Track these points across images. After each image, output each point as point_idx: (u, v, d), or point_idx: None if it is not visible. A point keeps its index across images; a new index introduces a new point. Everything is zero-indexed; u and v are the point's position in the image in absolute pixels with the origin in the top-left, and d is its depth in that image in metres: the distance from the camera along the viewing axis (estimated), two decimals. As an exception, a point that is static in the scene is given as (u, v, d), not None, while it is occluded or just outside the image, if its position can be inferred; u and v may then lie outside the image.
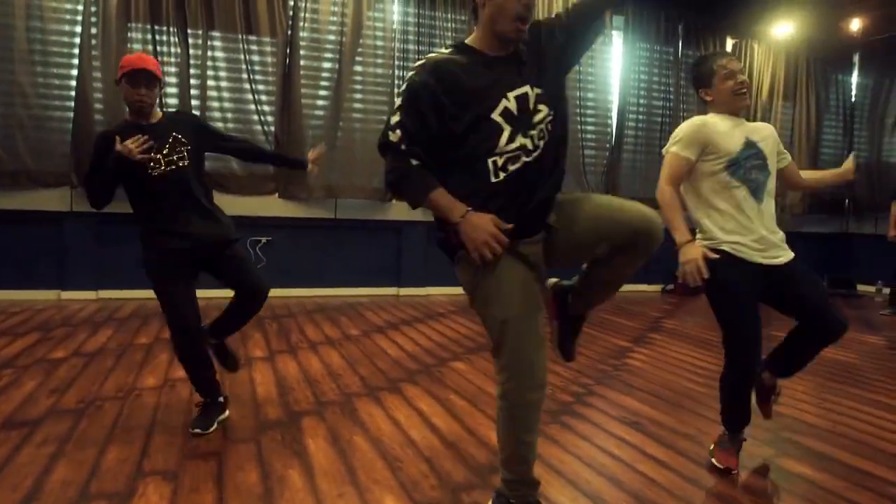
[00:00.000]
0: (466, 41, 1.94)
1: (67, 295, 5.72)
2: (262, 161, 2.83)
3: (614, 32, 7.33)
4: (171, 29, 5.73)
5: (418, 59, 1.93)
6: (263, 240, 6.30)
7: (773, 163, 2.54)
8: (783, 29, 7.74)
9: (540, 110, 1.87)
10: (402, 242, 6.84)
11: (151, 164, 2.67)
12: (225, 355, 3.05)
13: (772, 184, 2.53)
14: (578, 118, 7.15)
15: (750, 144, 2.49)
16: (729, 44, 7.90)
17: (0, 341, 4.12)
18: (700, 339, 5.04)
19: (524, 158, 1.86)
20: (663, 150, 2.58)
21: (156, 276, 2.72)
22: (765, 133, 2.56)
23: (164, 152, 2.71)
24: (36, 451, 2.44)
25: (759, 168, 2.49)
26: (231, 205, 6.18)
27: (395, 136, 1.87)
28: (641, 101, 7.47)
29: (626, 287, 7.63)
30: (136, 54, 2.85)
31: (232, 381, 3.45)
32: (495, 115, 1.83)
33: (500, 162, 1.84)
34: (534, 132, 1.87)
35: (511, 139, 1.84)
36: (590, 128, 7.25)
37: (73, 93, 5.52)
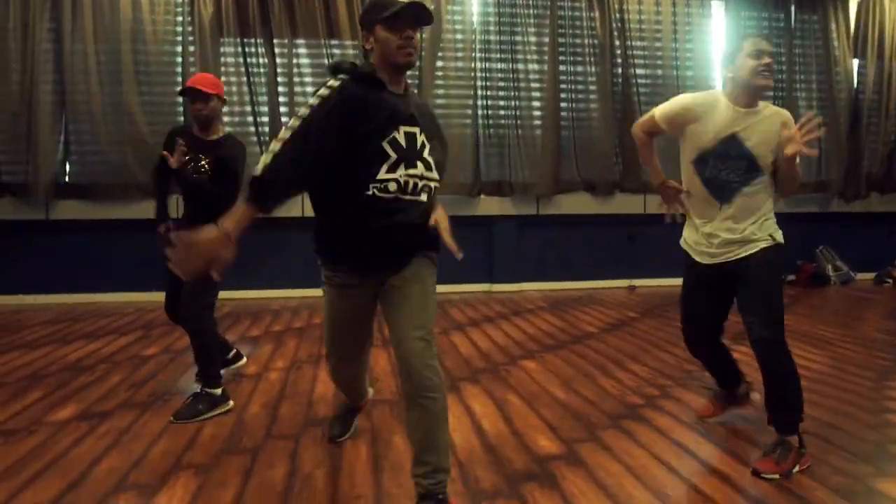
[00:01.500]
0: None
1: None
2: None
3: (714, 2, 6.75)
4: (259, 41, 5.98)
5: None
6: (353, 239, 6.42)
7: (766, 162, 2.40)
8: (922, -20, 6.76)
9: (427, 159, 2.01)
10: (494, 237, 6.71)
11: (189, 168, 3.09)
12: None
13: (754, 187, 2.42)
14: (677, 98, 6.66)
15: (731, 141, 2.39)
16: (853, 4, 7.02)
17: (107, 339, 4.49)
18: (813, 336, 4.49)
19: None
20: None
21: None
22: (763, 128, 2.38)
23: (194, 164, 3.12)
24: (95, 442, 2.59)
25: (736, 169, 2.40)
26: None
27: None
28: (749, 74, 6.82)
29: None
30: (197, 74, 3.34)
31: (296, 378, 3.52)
32: (385, 143, 1.92)
33: (390, 187, 1.95)
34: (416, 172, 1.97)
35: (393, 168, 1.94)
36: (690, 108, 6.72)
37: (175, 108, 5.93)
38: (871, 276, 7.18)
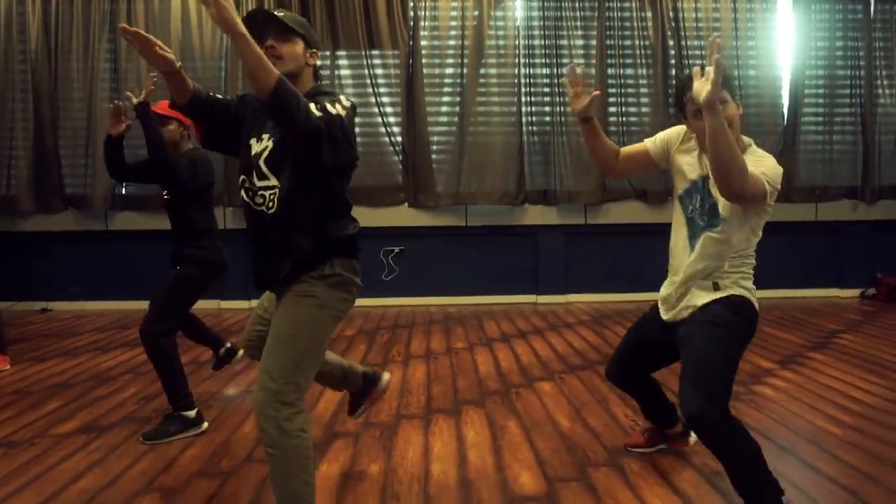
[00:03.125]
0: None
1: (226, 304, 6.28)
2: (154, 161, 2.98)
3: (780, -5, 6.25)
4: (302, 53, 6.05)
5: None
6: (396, 249, 6.39)
7: (727, 210, 2.12)
8: None
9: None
10: (539, 247, 6.50)
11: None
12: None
13: (720, 233, 2.14)
14: (743, 101, 6.20)
15: (706, 181, 2.18)
16: (945, -11, 6.33)
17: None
18: (876, 362, 4.03)
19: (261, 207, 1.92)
20: None
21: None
22: None
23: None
24: (84, 458, 2.65)
25: (705, 212, 2.18)
26: (363, 216, 6.39)
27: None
28: (820, 72, 6.27)
29: (811, 292, 6.50)
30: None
31: (302, 395, 3.48)
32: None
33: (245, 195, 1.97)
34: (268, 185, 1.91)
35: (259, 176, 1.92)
36: (752, 110, 6.25)
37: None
38: (966, 292, 6.43)
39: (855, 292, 6.57)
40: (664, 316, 2.30)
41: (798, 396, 3.38)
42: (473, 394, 3.51)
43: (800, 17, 6.23)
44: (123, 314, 5.93)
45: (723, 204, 2.10)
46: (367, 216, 6.28)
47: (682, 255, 2.24)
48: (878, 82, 6.31)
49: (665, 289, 2.32)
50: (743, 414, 3.09)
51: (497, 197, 6.25)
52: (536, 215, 6.39)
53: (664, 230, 6.70)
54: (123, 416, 3.16)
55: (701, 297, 2.17)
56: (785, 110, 6.29)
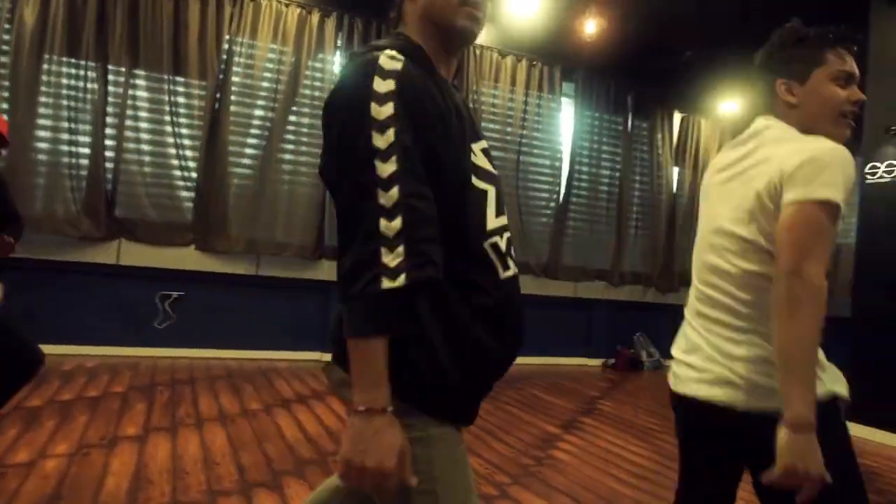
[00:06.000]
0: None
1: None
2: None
3: (563, 99, 7.20)
4: (91, 64, 5.33)
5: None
6: (174, 294, 5.78)
7: None
8: (730, 106, 7.75)
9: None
10: (330, 303, 6.39)
11: None
12: None
13: None
14: (519, 183, 6.93)
15: None
16: (676, 118, 7.88)
17: None
18: (636, 427, 4.67)
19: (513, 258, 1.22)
20: (791, 199, 1.33)
21: None
22: None
23: None
24: None
25: None
26: (140, 255, 5.71)
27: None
28: (591, 169, 7.31)
29: (566, 360, 7.30)
30: None
31: (81, 469, 2.92)
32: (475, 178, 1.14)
33: (502, 246, 1.16)
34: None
35: (498, 212, 1.17)
36: (532, 192, 7.02)
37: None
38: (679, 364, 7.82)
39: (597, 361, 7.58)
40: None
41: (588, 460, 3.75)
42: (287, 464, 3.27)
43: (577, 118, 7.22)
44: None
45: None
46: (144, 255, 5.63)
47: None
48: (632, 184, 7.54)
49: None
50: (550, 479, 3.34)
51: (293, 249, 6.05)
52: (331, 271, 6.30)
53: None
54: None
55: None
56: (561, 197, 7.16)
